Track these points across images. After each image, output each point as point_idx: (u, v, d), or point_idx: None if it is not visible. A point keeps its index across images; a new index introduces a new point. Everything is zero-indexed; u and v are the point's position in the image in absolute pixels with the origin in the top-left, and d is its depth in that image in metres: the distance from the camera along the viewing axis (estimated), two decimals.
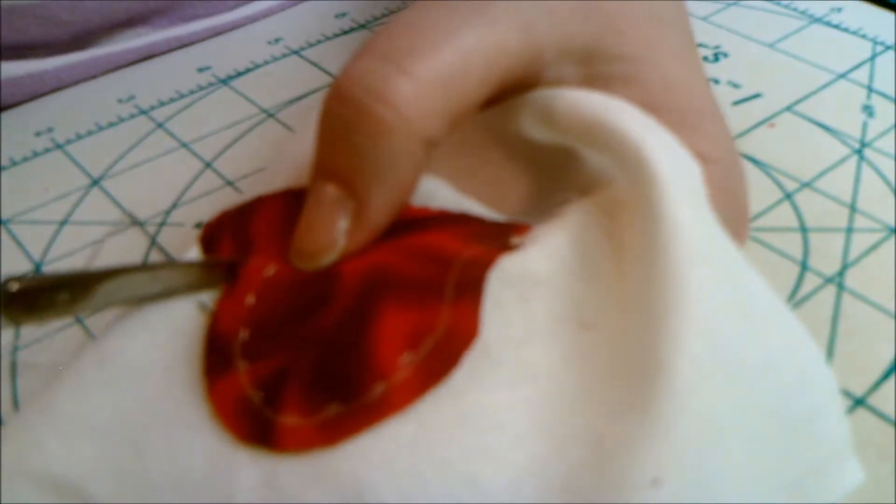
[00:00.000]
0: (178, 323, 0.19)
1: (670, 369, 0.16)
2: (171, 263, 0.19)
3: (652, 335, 0.17)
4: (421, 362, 0.17)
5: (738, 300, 0.17)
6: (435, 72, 0.18)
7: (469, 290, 0.18)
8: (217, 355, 0.18)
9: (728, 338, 0.17)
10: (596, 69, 0.21)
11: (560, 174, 0.22)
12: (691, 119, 0.21)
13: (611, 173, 0.20)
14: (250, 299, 0.19)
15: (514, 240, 0.19)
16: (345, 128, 0.18)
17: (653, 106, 0.20)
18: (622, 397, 0.17)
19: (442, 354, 0.17)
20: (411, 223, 0.19)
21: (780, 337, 0.18)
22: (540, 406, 0.17)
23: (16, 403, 0.27)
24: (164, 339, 0.19)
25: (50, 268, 0.31)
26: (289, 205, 0.20)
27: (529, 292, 0.18)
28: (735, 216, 0.21)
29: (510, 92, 0.20)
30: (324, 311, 0.18)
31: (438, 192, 0.20)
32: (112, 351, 0.18)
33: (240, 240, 0.20)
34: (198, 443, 0.17)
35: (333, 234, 0.19)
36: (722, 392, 0.16)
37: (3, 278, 0.16)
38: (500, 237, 0.19)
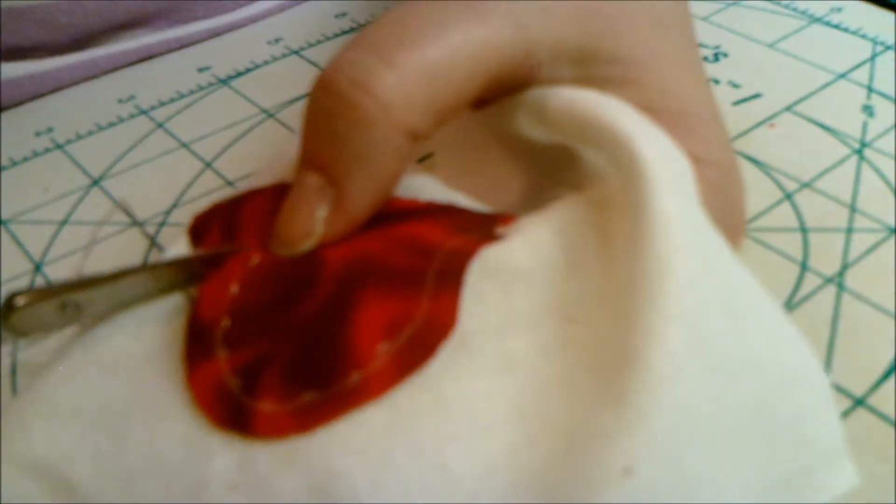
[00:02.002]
0: (166, 312, 0.19)
1: (645, 361, 0.16)
2: (168, 261, 0.19)
3: (630, 326, 0.17)
4: (397, 351, 0.17)
5: (722, 295, 0.17)
6: (420, 64, 0.18)
7: (449, 280, 0.18)
8: (198, 343, 0.18)
9: (709, 332, 0.17)
10: (592, 71, 0.21)
11: (556, 172, 0.22)
12: (688, 122, 0.21)
13: (604, 171, 0.20)
14: (234, 289, 0.19)
15: (499, 230, 0.19)
16: (327, 117, 0.18)
17: (649, 109, 0.20)
18: (599, 389, 0.17)
19: (419, 344, 0.17)
20: (397, 213, 0.19)
21: (767, 335, 0.18)
22: (516, 396, 0.17)
23: (14, 390, 0.27)
24: (151, 327, 0.19)
25: (50, 268, 0.31)
26: (278, 197, 0.20)
27: (510, 283, 0.18)
28: (730, 220, 0.21)
29: (504, 90, 0.20)
30: (306, 298, 0.18)
31: (427, 187, 0.20)
32: (100, 338, 0.19)
33: (227, 229, 0.20)
34: (175, 428, 0.17)
35: (312, 221, 0.19)
36: (701, 386, 0.16)
37: (4, 290, 0.17)
38: (484, 227, 0.19)
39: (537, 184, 0.22)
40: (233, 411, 0.17)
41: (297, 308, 0.18)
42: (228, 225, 0.20)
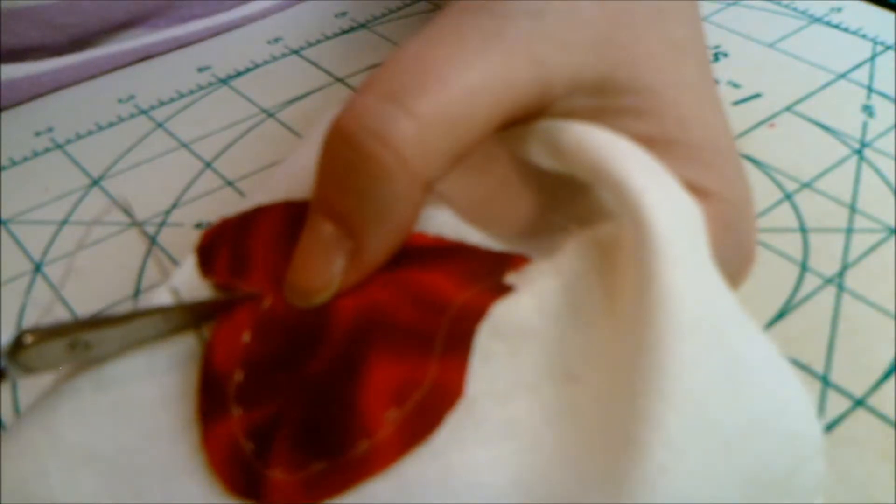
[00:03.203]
0: (178, 355, 0.19)
1: (645, 449, 0.16)
2: (180, 305, 0.19)
3: (630, 409, 0.17)
4: (404, 420, 0.17)
5: (725, 367, 0.17)
6: (439, 112, 0.18)
7: (458, 344, 0.18)
8: (212, 397, 0.18)
9: (709, 411, 0.17)
10: (608, 101, 0.20)
11: (562, 196, 0.21)
12: (705, 156, 0.21)
13: (614, 208, 0.20)
14: (246, 336, 0.19)
15: (509, 277, 0.19)
16: (345, 167, 0.18)
17: (666, 140, 0.20)
18: (598, 467, 0.17)
19: (425, 413, 0.17)
20: (408, 253, 0.19)
21: (768, 396, 0.18)
22: (519, 465, 0.17)
23: (16, 405, 0.27)
24: (164, 372, 0.19)
25: (50, 268, 0.31)
26: (286, 221, 0.20)
27: (518, 344, 0.18)
28: (739, 255, 0.21)
29: (517, 122, 0.20)
30: (317, 352, 0.18)
31: (436, 217, 0.20)
32: (112, 379, 0.19)
33: (236, 255, 0.20)
34: (192, 492, 0.17)
35: (329, 274, 0.18)
36: (698, 468, 0.17)
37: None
38: (494, 274, 0.19)
39: (540, 204, 0.22)
40: (246, 478, 0.17)
41: (308, 364, 0.18)
42: (237, 252, 0.20)
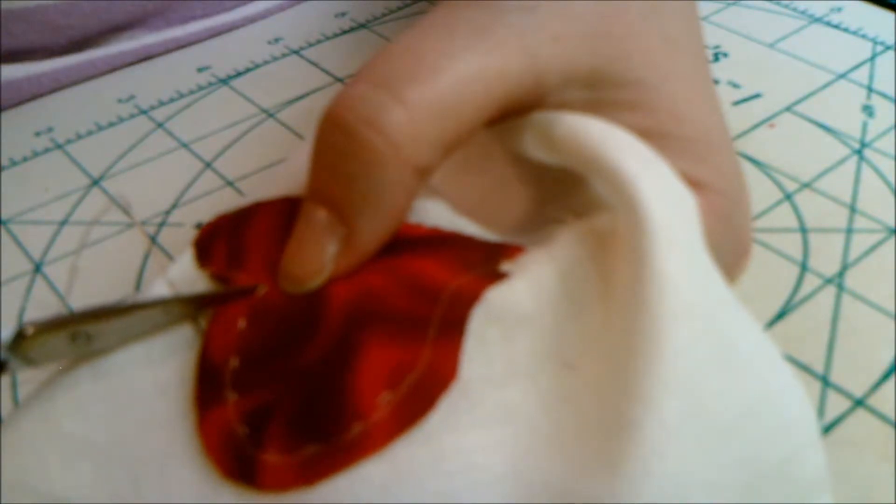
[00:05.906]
0: (176, 345, 0.19)
1: (640, 430, 0.16)
2: (180, 298, 0.20)
3: (626, 392, 0.17)
4: (398, 403, 0.17)
5: (719, 352, 0.17)
6: (431, 100, 0.18)
7: (452, 328, 0.18)
8: (208, 384, 0.18)
9: (704, 395, 0.17)
10: (602, 94, 0.21)
11: (559, 190, 0.21)
12: (699, 148, 0.21)
13: (609, 199, 0.20)
14: (241, 324, 0.19)
15: (504, 266, 0.19)
16: (337, 154, 0.18)
17: (660, 133, 0.20)
18: (593, 450, 0.17)
19: (419, 396, 0.17)
20: (403, 242, 0.19)
21: (761, 383, 0.18)
22: (513, 449, 0.17)
23: (16, 402, 0.27)
24: (161, 361, 0.19)
25: (50, 268, 0.31)
26: (284, 215, 0.20)
27: (513, 329, 0.18)
28: (734, 248, 0.21)
29: (511, 115, 0.20)
30: (311, 338, 0.18)
31: (432, 210, 0.20)
32: (110, 369, 0.19)
33: (233, 247, 0.20)
34: (187, 477, 0.17)
35: (322, 259, 0.19)
36: (693, 451, 0.17)
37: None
38: (489, 262, 0.19)
39: (536, 199, 0.22)
40: (240, 462, 0.17)
41: (303, 350, 0.18)
42: (234, 245, 0.20)
